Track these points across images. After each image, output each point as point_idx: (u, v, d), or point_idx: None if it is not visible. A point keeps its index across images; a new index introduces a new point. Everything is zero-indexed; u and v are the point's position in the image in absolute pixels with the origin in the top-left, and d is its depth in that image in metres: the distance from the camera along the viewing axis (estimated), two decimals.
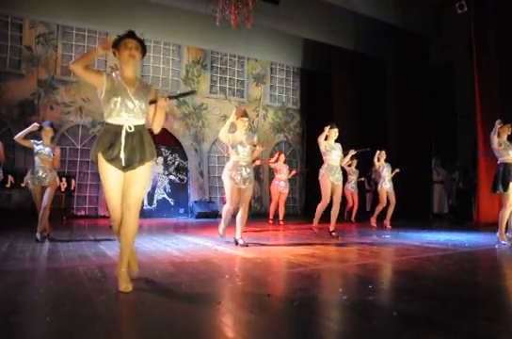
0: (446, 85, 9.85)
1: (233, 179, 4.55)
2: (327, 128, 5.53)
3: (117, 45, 2.50)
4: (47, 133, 5.06)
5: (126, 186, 2.49)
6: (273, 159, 8.27)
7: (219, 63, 11.87)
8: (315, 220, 5.67)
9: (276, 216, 8.13)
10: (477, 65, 8.07)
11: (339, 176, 5.53)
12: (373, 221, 7.27)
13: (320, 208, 5.56)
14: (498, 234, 4.96)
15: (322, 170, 5.55)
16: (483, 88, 7.99)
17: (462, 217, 8.73)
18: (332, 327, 1.81)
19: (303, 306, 2.10)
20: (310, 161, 12.35)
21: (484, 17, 8.03)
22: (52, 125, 5.18)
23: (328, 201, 5.46)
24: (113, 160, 2.43)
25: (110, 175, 2.46)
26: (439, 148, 10.14)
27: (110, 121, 2.47)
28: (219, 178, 11.57)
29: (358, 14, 9.10)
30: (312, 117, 12.73)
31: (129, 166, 2.46)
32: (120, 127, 2.45)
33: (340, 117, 11.81)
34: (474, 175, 8.43)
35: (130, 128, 2.45)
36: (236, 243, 4.57)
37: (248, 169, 4.62)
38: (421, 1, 9.43)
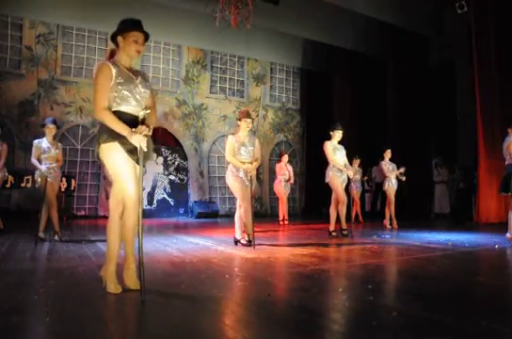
0: (446, 85, 9.84)
1: (239, 177, 4.51)
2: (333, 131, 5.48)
3: (122, 33, 2.39)
4: (50, 130, 5.06)
5: None
6: (278, 167, 8.19)
7: (219, 63, 11.87)
8: (343, 222, 5.52)
9: (277, 215, 8.15)
10: (477, 65, 8.07)
11: (345, 177, 5.50)
12: (390, 223, 7.04)
13: (342, 210, 5.45)
14: (508, 235, 4.94)
15: (330, 172, 5.45)
16: (483, 87, 7.99)
17: (462, 217, 8.73)
18: (332, 327, 1.81)
19: (303, 306, 2.10)
20: (310, 161, 12.36)
21: (484, 17, 8.03)
22: (55, 122, 5.17)
23: (345, 200, 5.43)
24: (131, 152, 2.34)
25: (128, 164, 2.36)
26: (439, 148, 10.14)
27: (121, 109, 2.36)
28: (219, 178, 11.59)
29: (358, 14, 9.09)
30: (312, 117, 12.74)
31: (146, 159, 2.39)
32: (135, 117, 2.39)
33: (340, 117, 11.79)
34: (474, 175, 8.43)
35: (142, 118, 2.42)
36: (236, 243, 4.56)
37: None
38: (421, 1, 9.42)
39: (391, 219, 7.08)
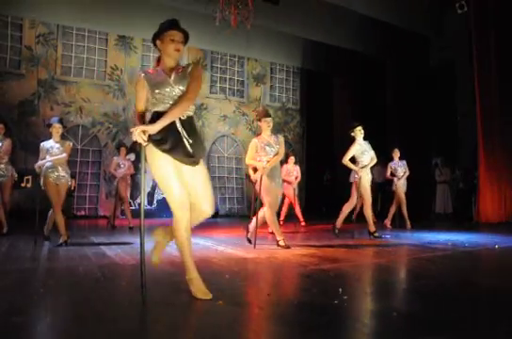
0: (446, 85, 9.85)
1: (271, 177, 4.39)
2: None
3: (159, 35, 2.37)
4: (57, 130, 4.87)
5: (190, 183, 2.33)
6: (285, 169, 8.00)
7: (219, 63, 11.87)
8: (371, 225, 5.39)
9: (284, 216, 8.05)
10: (477, 65, 8.07)
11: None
12: (391, 223, 6.99)
13: (370, 210, 5.39)
14: None
15: (361, 173, 5.33)
16: (483, 87, 7.99)
17: (462, 217, 8.73)
18: (332, 327, 1.80)
19: (303, 306, 2.10)
20: (310, 161, 12.36)
21: (484, 17, 8.03)
22: (61, 121, 5.00)
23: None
24: (171, 151, 2.25)
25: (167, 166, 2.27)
26: (439, 148, 10.14)
27: (159, 109, 2.34)
28: (219, 178, 11.59)
29: (358, 14, 9.09)
30: (312, 117, 12.74)
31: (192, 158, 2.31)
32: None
33: (340, 117, 11.81)
34: (474, 175, 8.43)
35: (183, 116, 2.37)
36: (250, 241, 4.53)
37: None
38: (421, 1, 9.42)
39: (403, 220, 6.98)
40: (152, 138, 2.23)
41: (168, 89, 2.36)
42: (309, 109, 12.92)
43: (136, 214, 9.53)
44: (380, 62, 10.87)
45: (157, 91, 2.35)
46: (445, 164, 9.81)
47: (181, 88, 2.37)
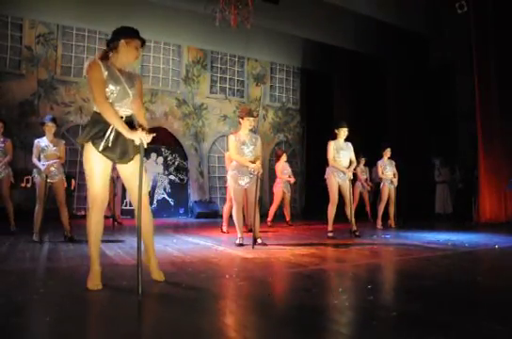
0: (446, 85, 9.84)
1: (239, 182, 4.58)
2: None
3: (127, 38, 2.45)
4: (50, 128, 4.98)
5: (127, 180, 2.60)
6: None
7: (219, 63, 11.87)
8: (330, 223, 5.40)
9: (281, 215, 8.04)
10: (477, 65, 8.07)
11: (345, 177, 5.42)
12: (378, 223, 7.05)
13: (331, 210, 5.40)
14: None
15: (328, 170, 5.49)
16: (483, 87, 7.99)
17: (462, 217, 8.72)
18: (332, 327, 1.80)
19: (303, 306, 2.10)
20: (310, 161, 12.35)
21: (484, 17, 8.03)
22: (54, 120, 5.09)
23: (336, 201, 5.43)
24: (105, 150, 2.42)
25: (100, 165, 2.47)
26: (439, 148, 10.14)
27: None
28: (219, 178, 11.58)
29: (358, 14, 9.09)
30: (312, 117, 12.73)
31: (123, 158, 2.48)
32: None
33: (340, 117, 11.78)
34: (474, 175, 8.43)
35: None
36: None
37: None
38: (421, 1, 9.42)
39: (389, 219, 7.10)
40: (91, 136, 2.38)
41: (119, 88, 2.43)
42: (309, 109, 12.92)
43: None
44: (380, 62, 10.86)
45: (108, 88, 2.39)
46: (444, 164, 9.81)
47: (130, 92, 2.48)
